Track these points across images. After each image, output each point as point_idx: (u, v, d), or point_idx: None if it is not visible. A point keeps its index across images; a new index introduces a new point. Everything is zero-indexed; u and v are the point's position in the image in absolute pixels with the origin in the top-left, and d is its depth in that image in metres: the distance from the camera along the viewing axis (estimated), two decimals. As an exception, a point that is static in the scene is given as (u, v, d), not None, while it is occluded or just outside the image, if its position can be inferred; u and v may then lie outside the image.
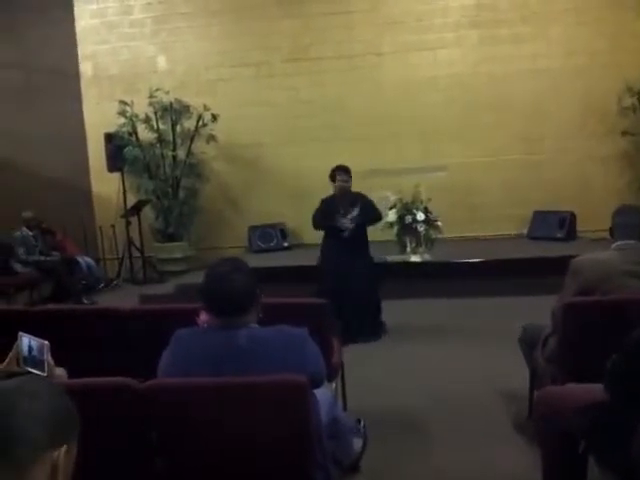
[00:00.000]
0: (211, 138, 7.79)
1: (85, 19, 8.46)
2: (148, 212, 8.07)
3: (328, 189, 5.52)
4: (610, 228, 2.96)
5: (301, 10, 8.03)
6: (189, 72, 8.29)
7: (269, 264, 6.58)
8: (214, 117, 7.65)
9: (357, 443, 2.88)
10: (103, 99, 8.28)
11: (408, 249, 6.36)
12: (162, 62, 8.41)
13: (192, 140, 7.92)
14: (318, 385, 2.18)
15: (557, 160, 7.74)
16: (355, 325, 4.97)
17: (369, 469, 2.86)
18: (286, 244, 8.06)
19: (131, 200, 7.82)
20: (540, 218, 7.58)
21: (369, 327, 5.18)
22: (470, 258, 6.60)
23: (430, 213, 6.18)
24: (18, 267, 6.86)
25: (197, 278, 7.41)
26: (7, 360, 1.86)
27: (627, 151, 7.61)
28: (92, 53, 8.48)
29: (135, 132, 7.87)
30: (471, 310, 5.67)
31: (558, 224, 7.39)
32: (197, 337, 2.17)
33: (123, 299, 6.57)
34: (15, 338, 1.86)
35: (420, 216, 6.11)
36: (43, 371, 1.86)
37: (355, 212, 5.33)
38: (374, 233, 5.84)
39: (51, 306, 4.60)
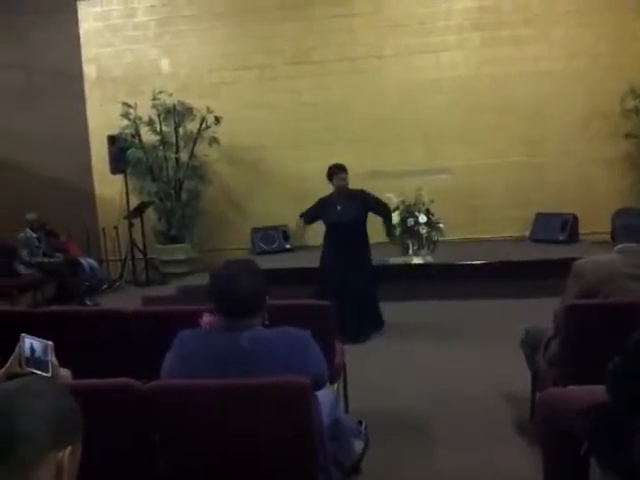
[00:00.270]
0: (214, 140, 7.80)
1: (89, 22, 8.49)
2: (151, 214, 8.09)
3: (330, 191, 5.53)
4: (611, 232, 2.96)
5: (304, 13, 8.05)
6: (192, 75, 8.31)
7: (271, 266, 6.55)
8: (217, 120, 7.67)
9: (358, 445, 2.88)
10: (106, 101, 8.31)
11: (410, 251, 6.37)
12: (165, 65, 8.43)
13: (195, 142, 7.94)
14: (320, 387, 2.19)
15: (560, 162, 7.74)
16: (355, 325, 4.99)
17: (370, 470, 2.87)
18: (288, 246, 8.07)
19: (134, 202, 7.84)
20: (542, 220, 7.58)
21: (369, 325, 5.22)
22: (472, 260, 6.61)
23: (432, 215, 6.19)
24: (21, 268, 6.88)
25: (199, 280, 7.41)
26: (9, 362, 1.86)
27: (630, 153, 7.61)
28: (96, 55, 8.51)
29: (138, 134, 7.89)
30: (473, 312, 5.67)
31: (560, 226, 7.39)
32: (200, 338, 2.18)
33: (126, 301, 6.58)
34: (19, 339, 1.87)
35: (422, 218, 6.12)
36: (47, 372, 1.87)
37: (353, 205, 5.29)
38: (376, 235, 5.85)
39: (54, 307, 4.61)
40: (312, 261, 5.82)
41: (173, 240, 8.11)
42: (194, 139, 7.92)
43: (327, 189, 5.59)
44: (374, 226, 5.67)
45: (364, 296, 5.24)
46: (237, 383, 1.99)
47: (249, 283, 2.11)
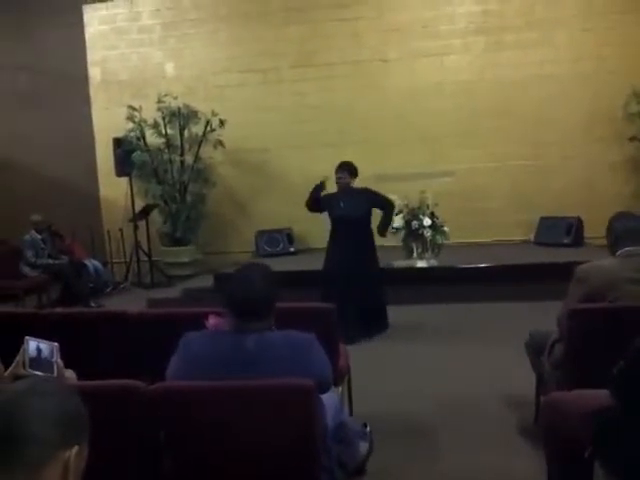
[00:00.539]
0: (219, 143, 7.82)
1: (94, 25, 8.53)
2: (156, 216, 8.12)
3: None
4: (609, 236, 2.94)
5: (308, 17, 8.06)
6: (197, 78, 8.34)
7: (275, 269, 6.55)
8: (222, 122, 7.69)
9: (363, 447, 2.89)
10: (112, 104, 8.34)
11: (414, 254, 6.37)
12: (170, 68, 8.46)
13: (200, 145, 7.96)
14: (325, 390, 2.20)
15: (564, 166, 7.73)
16: (355, 326, 5.00)
17: (374, 472, 2.87)
18: (292, 249, 8.08)
19: (139, 204, 7.86)
20: (547, 224, 7.57)
21: (373, 327, 5.25)
22: (476, 263, 6.60)
23: (436, 218, 6.19)
24: (27, 270, 6.90)
25: (204, 282, 7.42)
26: (14, 364, 1.87)
27: (634, 157, 7.60)
28: (101, 58, 8.55)
29: (143, 137, 7.92)
30: (477, 315, 5.67)
31: (565, 230, 7.38)
32: (205, 340, 2.19)
33: (130, 303, 6.60)
34: (24, 341, 1.88)
35: (426, 221, 6.12)
36: (52, 373, 1.88)
37: (356, 201, 5.33)
38: (380, 238, 5.85)
39: (59, 309, 4.63)
40: (316, 264, 5.82)
41: (178, 242, 8.13)
42: (199, 142, 7.94)
43: (331, 191, 5.61)
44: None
45: (366, 297, 5.25)
46: (241, 385, 1.99)
47: (262, 287, 2.14)
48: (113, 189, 8.24)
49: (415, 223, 6.14)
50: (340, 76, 8.04)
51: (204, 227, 8.24)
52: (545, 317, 3.27)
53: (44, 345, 1.90)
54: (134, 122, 7.80)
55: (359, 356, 3.95)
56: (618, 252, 2.88)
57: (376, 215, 5.62)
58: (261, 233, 8.12)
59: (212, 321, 2.36)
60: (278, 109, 8.08)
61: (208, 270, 7.58)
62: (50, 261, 7.04)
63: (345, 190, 5.38)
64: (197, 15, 8.34)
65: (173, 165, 8.03)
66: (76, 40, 8.43)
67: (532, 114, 7.73)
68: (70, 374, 1.99)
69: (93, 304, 6.82)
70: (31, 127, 8.26)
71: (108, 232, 8.42)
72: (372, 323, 5.29)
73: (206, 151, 8.00)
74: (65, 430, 1.09)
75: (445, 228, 6.22)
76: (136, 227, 7.77)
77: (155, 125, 7.86)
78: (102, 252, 8.39)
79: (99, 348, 2.89)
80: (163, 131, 7.92)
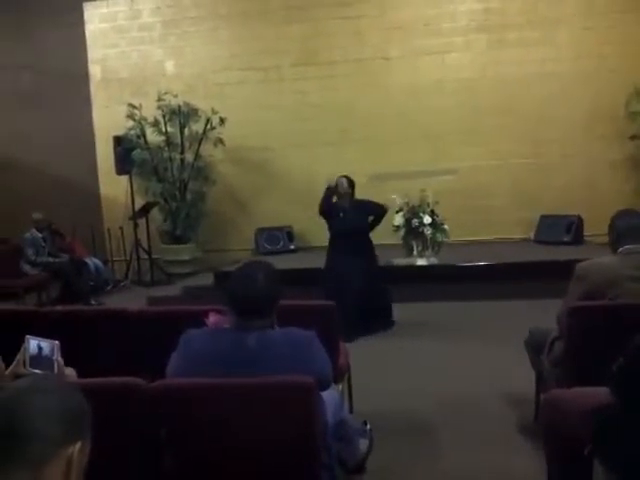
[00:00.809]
0: (219, 141, 7.82)
1: (94, 23, 8.52)
2: (156, 214, 8.12)
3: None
4: (611, 234, 2.94)
5: (310, 15, 8.05)
6: (197, 76, 8.33)
7: (276, 266, 6.58)
8: (222, 120, 7.69)
9: (363, 444, 2.90)
10: (112, 102, 8.34)
11: (415, 252, 6.37)
12: (171, 66, 8.46)
13: (200, 143, 7.96)
14: (325, 387, 2.20)
15: (565, 164, 7.73)
16: (358, 325, 5.04)
17: (374, 470, 2.87)
18: (293, 247, 8.08)
19: (139, 202, 7.86)
20: (547, 222, 7.56)
21: (377, 324, 5.30)
22: (477, 261, 6.60)
23: (437, 216, 6.19)
24: (27, 268, 6.91)
25: (204, 280, 7.42)
26: (14, 363, 1.88)
27: (635, 155, 7.59)
28: (102, 56, 8.54)
29: (144, 135, 7.92)
30: (477, 313, 5.68)
31: (565, 228, 7.37)
32: (206, 338, 2.19)
33: (131, 300, 6.60)
34: (24, 339, 1.88)
35: (427, 219, 6.11)
36: (52, 371, 1.88)
37: (356, 214, 5.46)
38: (381, 236, 5.86)
39: (60, 307, 4.63)
40: (316, 262, 5.84)
41: (178, 240, 8.13)
42: (199, 140, 7.94)
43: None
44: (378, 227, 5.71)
45: (366, 296, 5.27)
46: (242, 382, 2.00)
47: (264, 284, 2.14)
48: (113, 187, 8.24)
49: (415, 221, 6.14)
50: (342, 74, 8.04)
51: (204, 225, 8.24)
52: (545, 315, 3.27)
53: (45, 343, 1.91)
54: (134, 120, 7.80)
55: (359, 354, 3.95)
56: (619, 249, 2.88)
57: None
58: (261, 231, 8.12)
59: (212, 319, 2.36)
60: (279, 107, 8.07)
61: (208, 268, 7.58)
62: (50, 259, 7.05)
63: (345, 200, 5.48)
64: (197, 13, 8.34)
65: (173, 163, 8.03)
66: (76, 38, 8.43)
67: (534, 112, 7.72)
68: (70, 372, 1.99)
69: (93, 302, 6.82)
70: (31, 126, 8.26)
71: (108, 230, 8.43)
72: (374, 321, 5.31)
73: (206, 149, 8.00)
74: (68, 427, 1.09)
75: (445, 226, 6.21)
76: (136, 225, 7.78)
77: (155, 123, 7.86)
78: (102, 250, 8.39)
79: (99, 346, 2.90)
80: (163, 129, 7.92)
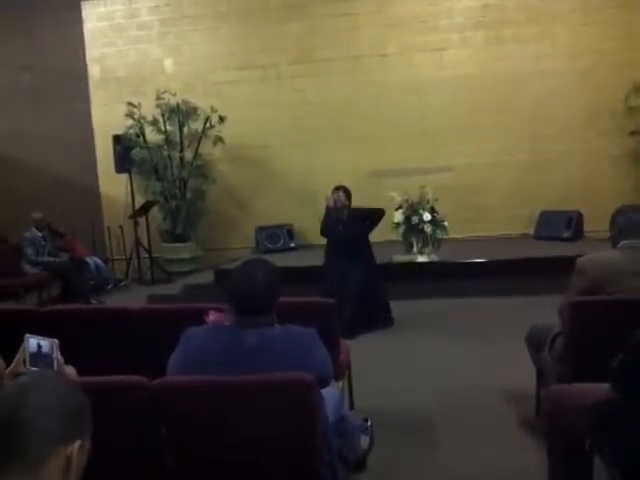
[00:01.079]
0: (218, 140, 7.82)
1: (93, 22, 8.52)
2: (156, 213, 8.12)
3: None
4: (612, 230, 2.94)
5: (307, 12, 8.05)
6: (196, 74, 8.33)
7: (276, 264, 6.59)
8: (221, 119, 7.68)
9: (364, 441, 2.90)
10: (111, 101, 8.34)
11: (414, 249, 6.37)
12: (169, 64, 8.45)
13: (199, 142, 7.95)
14: (325, 384, 2.20)
15: (564, 160, 7.72)
16: (356, 324, 5.06)
17: (375, 467, 2.88)
18: (293, 245, 8.08)
19: (139, 201, 7.86)
20: (547, 218, 7.56)
21: (376, 323, 5.30)
22: (476, 258, 6.60)
23: (436, 213, 6.19)
24: (27, 268, 6.91)
25: (204, 278, 7.41)
26: (14, 362, 1.88)
27: (634, 151, 7.59)
28: (100, 55, 8.54)
29: (143, 134, 7.91)
30: (477, 310, 5.68)
31: (565, 224, 7.37)
32: (206, 336, 2.20)
33: (131, 299, 6.60)
34: (24, 338, 1.88)
35: (426, 216, 6.12)
36: (52, 369, 1.88)
37: (354, 225, 5.45)
38: (381, 233, 5.87)
39: (60, 306, 4.63)
40: (316, 260, 5.84)
41: (178, 239, 8.13)
42: (198, 138, 7.94)
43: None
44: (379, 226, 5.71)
45: (362, 296, 5.28)
46: (242, 380, 2.00)
47: (263, 282, 2.14)
48: (113, 186, 8.24)
49: (415, 218, 6.14)
50: (339, 72, 8.03)
51: (204, 223, 8.24)
52: (545, 311, 3.27)
53: (44, 342, 1.90)
54: (133, 119, 7.80)
55: (359, 351, 3.95)
56: (619, 244, 2.89)
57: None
58: (261, 229, 8.12)
59: (212, 317, 2.36)
60: (277, 105, 8.07)
61: (208, 266, 7.58)
62: (50, 258, 7.05)
63: (342, 212, 5.47)
64: (196, 11, 8.33)
65: (173, 162, 8.03)
66: (75, 37, 8.43)
67: (532, 108, 7.72)
68: (70, 370, 1.99)
69: (94, 301, 6.83)
70: (30, 124, 8.25)
71: (108, 229, 8.43)
72: (373, 320, 5.31)
73: (206, 147, 8.00)
74: (67, 424, 1.09)
75: (445, 223, 6.22)
76: (136, 224, 7.78)
77: (154, 122, 7.85)
78: (102, 249, 8.40)
79: (100, 344, 2.90)
80: (162, 128, 7.92)
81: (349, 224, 5.46)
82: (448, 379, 4.04)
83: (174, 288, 7.01)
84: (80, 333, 2.80)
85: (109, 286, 7.59)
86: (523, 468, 2.82)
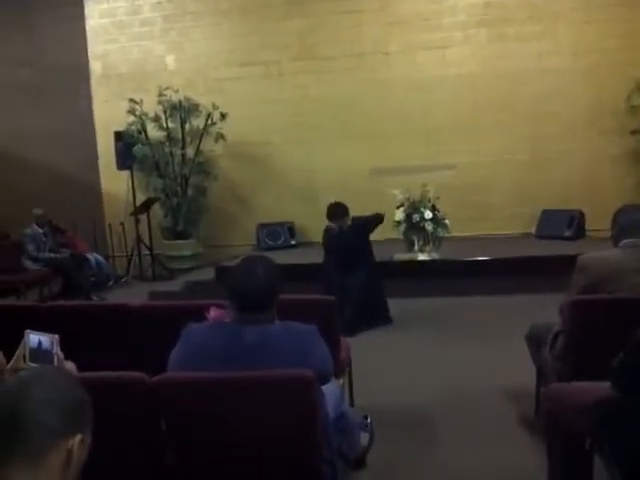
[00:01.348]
0: (220, 136, 7.82)
1: (95, 18, 8.52)
2: (157, 210, 8.12)
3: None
4: (613, 229, 2.94)
5: (310, 9, 8.04)
6: (198, 71, 8.32)
7: (277, 262, 6.58)
8: (223, 115, 7.68)
9: (364, 438, 2.91)
10: (113, 97, 8.34)
11: (416, 247, 6.37)
12: (171, 61, 8.45)
13: (201, 138, 7.95)
14: (326, 381, 2.20)
15: (565, 159, 7.71)
16: (355, 323, 5.06)
17: (375, 464, 2.88)
18: (294, 242, 8.08)
19: (140, 198, 7.87)
20: (548, 217, 7.55)
21: (375, 321, 5.30)
22: (478, 257, 6.60)
23: (438, 211, 6.19)
24: (28, 264, 6.91)
25: (206, 275, 7.42)
26: (15, 358, 1.88)
27: (636, 150, 7.58)
28: (102, 52, 8.54)
29: (144, 130, 7.91)
30: (478, 308, 5.68)
31: (566, 223, 7.36)
32: (207, 332, 2.20)
33: (132, 296, 6.61)
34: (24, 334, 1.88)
35: (428, 214, 6.12)
36: (52, 365, 1.88)
37: (353, 239, 5.41)
38: (382, 232, 5.87)
39: (61, 302, 4.63)
40: (317, 257, 5.84)
41: (179, 236, 8.14)
42: (200, 135, 7.94)
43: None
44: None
45: (364, 295, 5.28)
46: (242, 376, 2.00)
47: (264, 279, 2.15)
48: (114, 183, 8.24)
49: (416, 216, 6.14)
50: (341, 69, 8.02)
51: (205, 220, 8.25)
52: (546, 310, 3.27)
53: (44, 338, 1.90)
54: (135, 115, 7.80)
55: (360, 348, 3.95)
56: (621, 243, 2.89)
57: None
58: (262, 226, 8.12)
59: (213, 313, 2.36)
60: (279, 102, 8.06)
61: (209, 263, 7.59)
62: (51, 255, 7.05)
63: (342, 230, 5.42)
64: (198, 8, 8.33)
65: (174, 158, 8.03)
66: (77, 33, 8.43)
67: (534, 107, 7.71)
68: (71, 366, 1.99)
69: (95, 297, 6.83)
70: (32, 121, 8.24)
71: (110, 226, 8.44)
72: (374, 318, 5.31)
73: (207, 144, 8.00)
74: (68, 419, 1.10)
75: (446, 221, 6.21)
76: (137, 221, 7.78)
77: (156, 118, 7.85)
78: (104, 246, 8.41)
79: (100, 341, 2.90)
80: (164, 124, 7.92)
81: (349, 236, 5.39)
82: (448, 377, 4.04)
83: (175, 285, 7.01)
84: (81, 329, 2.80)
85: (110, 283, 7.60)
86: (523, 467, 2.82)
